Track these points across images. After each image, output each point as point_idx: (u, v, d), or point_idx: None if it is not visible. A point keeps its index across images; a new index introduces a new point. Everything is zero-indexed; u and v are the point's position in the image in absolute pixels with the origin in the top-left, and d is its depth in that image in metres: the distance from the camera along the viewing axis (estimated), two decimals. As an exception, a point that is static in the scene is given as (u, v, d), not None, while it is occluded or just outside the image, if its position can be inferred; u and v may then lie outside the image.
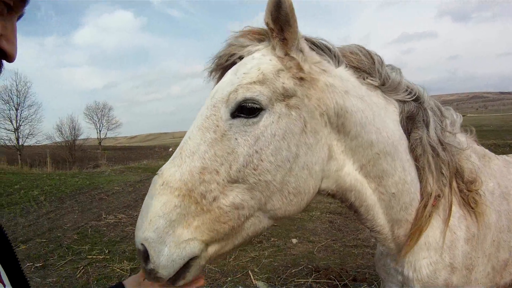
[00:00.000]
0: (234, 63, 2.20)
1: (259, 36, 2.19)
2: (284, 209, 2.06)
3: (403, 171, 2.41)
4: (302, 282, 7.36)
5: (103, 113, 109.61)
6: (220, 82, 2.11)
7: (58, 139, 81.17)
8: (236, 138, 1.92)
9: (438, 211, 2.55)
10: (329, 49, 2.27)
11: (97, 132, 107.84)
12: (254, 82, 1.97)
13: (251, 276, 7.63)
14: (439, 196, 2.48)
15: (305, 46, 2.13)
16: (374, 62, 2.40)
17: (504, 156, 3.67)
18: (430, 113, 2.52)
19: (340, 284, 7.15)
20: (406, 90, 2.50)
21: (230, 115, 1.95)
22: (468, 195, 2.63)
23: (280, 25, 1.99)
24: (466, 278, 2.65)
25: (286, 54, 2.07)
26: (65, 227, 11.24)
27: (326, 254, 8.93)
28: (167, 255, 1.82)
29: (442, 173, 2.48)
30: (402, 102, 2.49)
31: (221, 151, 1.90)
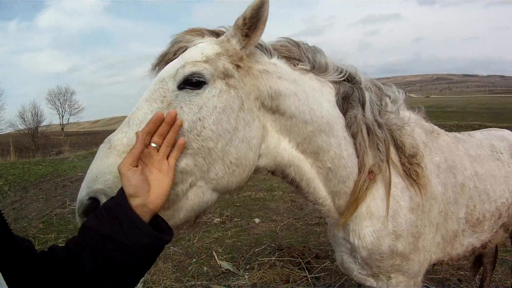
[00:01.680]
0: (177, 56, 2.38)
1: (201, 34, 2.43)
2: (227, 179, 2.20)
3: (339, 147, 2.65)
4: (266, 260, 7.51)
5: (65, 97, 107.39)
6: (167, 66, 2.28)
7: (21, 126, 79.63)
8: (181, 107, 2.08)
9: (377, 184, 2.82)
10: (261, 45, 2.52)
11: (60, 118, 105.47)
12: (199, 60, 2.17)
13: (216, 256, 7.76)
14: (373, 171, 2.74)
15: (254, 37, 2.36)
16: (302, 50, 2.69)
17: (457, 133, 3.94)
18: (366, 93, 2.78)
19: (303, 261, 7.32)
20: (337, 70, 2.77)
21: (177, 87, 2.12)
22: (410, 168, 2.89)
23: (251, 23, 2.23)
24: (413, 245, 2.92)
25: (243, 47, 2.31)
26: (30, 216, 11.14)
27: (288, 233, 9.12)
28: None
29: (379, 149, 2.74)
30: (337, 83, 2.75)
31: None
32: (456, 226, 3.30)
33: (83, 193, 1.87)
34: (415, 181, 2.88)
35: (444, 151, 3.33)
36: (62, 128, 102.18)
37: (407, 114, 3.17)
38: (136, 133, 1.85)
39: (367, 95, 2.77)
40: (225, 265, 7.40)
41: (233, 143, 2.18)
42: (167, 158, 1.92)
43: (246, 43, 2.30)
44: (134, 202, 1.72)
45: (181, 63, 2.17)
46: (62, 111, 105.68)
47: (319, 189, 2.73)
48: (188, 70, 2.13)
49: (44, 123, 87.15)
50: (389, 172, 2.79)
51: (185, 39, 2.38)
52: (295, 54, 2.67)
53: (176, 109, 2.05)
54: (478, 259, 5.62)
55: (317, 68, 2.73)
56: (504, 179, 3.77)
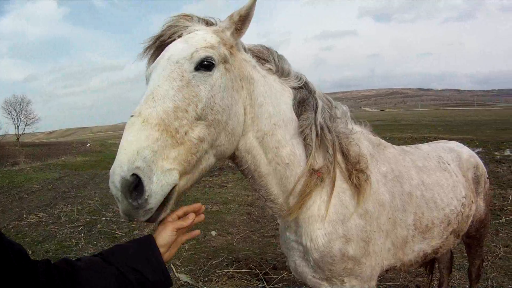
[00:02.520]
0: (173, 41, 2.65)
1: (192, 19, 2.76)
2: (225, 146, 2.58)
3: (293, 145, 2.94)
4: (224, 272, 7.61)
5: (21, 107, 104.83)
6: (173, 48, 2.52)
7: None
8: (198, 85, 2.39)
9: (326, 187, 3.02)
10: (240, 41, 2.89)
11: (15, 128, 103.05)
12: (208, 47, 2.49)
13: (173, 269, 7.82)
14: (323, 170, 2.97)
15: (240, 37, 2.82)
16: (270, 53, 3.07)
17: (404, 146, 4.22)
18: (319, 101, 3.08)
19: (261, 272, 7.46)
20: (296, 77, 3.13)
21: (194, 68, 2.41)
22: (354, 174, 3.10)
23: (244, 20, 2.69)
24: (364, 249, 3.10)
25: (235, 38, 2.73)
26: (-14, 229, 10.85)
27: (245, 245, 9.25)
28: (157, 182, 2.04)
29: (327, 152, 3.01)
30: (295, 89, 3.09)
31: (188, 94, 2.33)
32: (406, 233, 3.50)
33: (124, 169, 1.97)
34: (357, 187, 3.08)
35: (390, 162, 3.56)
36: (18, 139, 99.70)
37: (354, 127, 3.39)
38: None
39: (319, 102, 3.06)
40: (184, 277, 7.45)
41: (230, 116, 2.55)
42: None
43: (237, 35, 2.73)
44: (162, 250, 2.21)
45: (193, 48, 2.46)
46: (17, 121, 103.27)
47: (271, 186, 2.98)
48: (203, 54, 2.43)
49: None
50: (334, 173, 3.01)
51: (179, 23, 2.69)
52: (264, 55, 3.06)
53: (194, 87, 2.38)
54: (432, 264, 5.87)
55: (281, 72, 3.09)
56: (452, 188, 4.02)
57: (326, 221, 3.01)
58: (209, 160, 2.50)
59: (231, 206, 13.13)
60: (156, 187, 2.03)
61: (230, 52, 2.65)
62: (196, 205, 2.50)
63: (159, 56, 2.55)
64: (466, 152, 4.79)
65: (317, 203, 3.01)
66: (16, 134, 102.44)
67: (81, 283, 1.89)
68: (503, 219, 10.48)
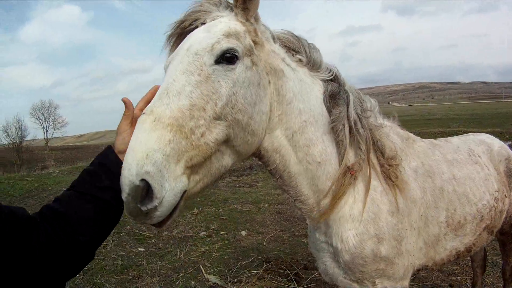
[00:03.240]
0: (195, 28, 2.50)
1: (218, 4, 2.58)
2: (242, 147, 2.42)
3: (323, 142, 2.83)
4: (254, 273, 7.54)
5: (49, 112, 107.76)
6: (193, 38, 2.37)
7: (5, 141, 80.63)
8: (219, 81, 2.23)
9: (358, 187, 2.95)
10: (267, 28, 2.72)
11: (44, 132, 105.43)
12: (231, 37, 2.33)
13: (203, 270, 7.78)
14: (355, 168, 2.87)
15: (259, 16, 2.59)
16: (301, 43, 2.90)
17: (433, 139, 4.09)
18: (350, 94, 2.96)
19: (291, 273, 7.36)
20: (327, 69, 2.98)
21: (214, 61, 2.25)
22: (389, 169, 3.02)
23: None
24: (397, 249, 3.02)
25: (247, 20, 2.49)
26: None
27: (276, 245, 9.16)
28: (169, 189, 1.95)
29: (360, 148, 2.90)
30: (326, 82, 2.94)
31: (207, 91, 2.17)
32: (438, 230, 3.41)
33: (132, 172, 1.88)
34: (393, 182, 3.00)
35: (420, 156, 3.47)
36: (47, 143, 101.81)
37: (383, 121, 3.32)
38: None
39: (351, 96, 2.95)
40: (213, 278, 7.42)
41: (253, 115, 2.39)
42: None
43: (250, 15, 2.49)
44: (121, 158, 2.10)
45: (215, 37, 2.30)
46: (46, 126, 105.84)
47: (302, 186, 2.86)
48: (225, 45, 2.27)
49: (28, 138, 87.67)
50: (369, 170, 2.92)
51: (204, 8, 2.54)
52: (295, 45, 2.88)
53: (214, 83, 2.22)
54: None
55: (312, 64, 2.93)
56: (483, 181, 3.91)
57: (357, 220, 2.92)
58: (224, 161, 2.36)
59: (261, 205, 13.01)
60: (169, 195, 1.95)
61: (254, 40, 2.48)
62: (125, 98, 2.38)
63: (179, 46, 2.43)
64: (497, 144, 4.65)
65: (349, 203, 2.93)
66: (45, 138, 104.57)
67: (67, 223, 1.99)
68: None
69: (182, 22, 2.54)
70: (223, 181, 16.92)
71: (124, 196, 1.91)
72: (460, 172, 3.76)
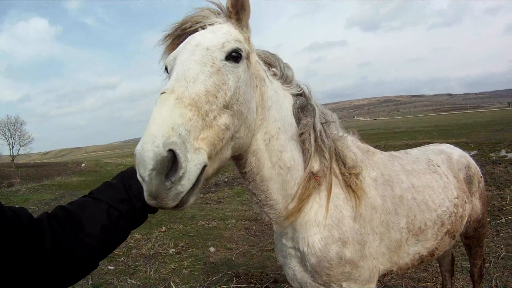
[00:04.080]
0: (194, 31, 2.70)
1: (216, 12, 2.78)
2: (242, 140, 2.63)
3: (292, 150, 3.05)
4: (224, 288, 7.62)
5: (15, 127, 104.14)
6: (201, 37, 2.56)
7: None
8: (227, 74, 2.45)
9: (322, 194, 3.15)
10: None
11: (10, 149, 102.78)
12: (236, 40, 2.57)
13: (173, 287, 7.87)
14: (319, 174, 3.10)
15: (250, 27, 2.84)
16: (276, 58, 3.21)
17: (392, 152, 4.38)
18: (316, 107, 3.21)
19: (261, 287, 7.53)
20: (297, 85, 3.25)
21: (225, 57, 2.48)
22: (350, 178, 3.25)
23: (237, 9, 2.70)
24: (361, 252, 3.21)
25: (242, 29, 2.75)
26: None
27: (245, 260, 9.32)
28: (191, 160, 2.01)
29: (324, 156, 3.13)
30: (295, 96, 3.20)
31: (218, 81, 2.37)
32: (399, 236, 3.62)
33: (158, 143, 1.91)
34: (354, 191, 3.21)
35: (380, 167, 3.71)
36: (13, 160, 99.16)
37: (344, 134, 3.56)
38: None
39: (317, 109, 3.20)
40: (184, 295, 7.44)
41: (249, 111, 2.63)
42: None
43: (242, 26, 2.76)
44: None
45: (224, 38, 2.54)
46: (12, 142, 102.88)
47: (273, 190, 3.03)
48: (234, 45, 2.52)
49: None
50: (331, 177, 3.14)
51: (204, 13, 2.74)
52: (271, 60, 3.20)
53: (224, 75, 2.43)
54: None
55: (284, 78, 3.22)
56: (442, 189, 4.17)
57: (321, 225, 3.10)
58: (228, 151, 2.49)
59: (229, 221, 13.19)
60: (191, 165, 2.00)
61: (249, 48, 2.72)
62: None
63: (183, 43, 2.59)
64: (457, 153, 4.93)
65: (314, 208, 3.11)
66: (10, 155, 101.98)
67: (79, 223, 2.07)
68: (503, 219, 10.68)
69: (183, 24, 2.71)
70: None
71: (146, 173, 1.91)
72: (419, 181, 4.00)
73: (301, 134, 3.08)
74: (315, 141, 3.10)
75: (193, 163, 2.02)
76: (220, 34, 2.57)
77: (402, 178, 3.86)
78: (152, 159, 1.89)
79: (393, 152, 4.39)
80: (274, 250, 9.33)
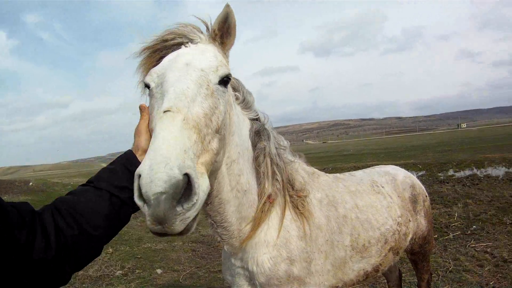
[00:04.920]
0: (176, 45, 2.67)
1: (199, 30, 2.77)
2: (219, 164, 2.65)
3: (247, 173, 3.13)
4: (172, 310, 7.54)
5: None
6: (190, 56, 2.52)
7: None
8: (218, 98, 2.46)
9: (272, 215, 3.24)
10: None
11: None
12: (224, 64, 2.60)
13: (120, 310, 7.73)
14: (273, 197, 3.19)
15: (229, 54, 2.87)
16: (239, 83, 3.25)
17: (337, 174, 4.52)
18: (270, 132, 3.34)
19: (209, 308, 7.43)
20: (255, 111, 3.35)
21: (218, 81, 2.49)
22: (298, 200, 3.37)
23: (223, 32, 2.73)
24: (307, 269, 3.31)
25: (224, 53, 2.78)
26: None
27: (192, 282, 9.34)
28: (201, 185, 1.97)
29: (277, 179, 3.23)
30: (252, 120, 3.30)
31: (213, 105, 2.37)
32: (344, 253, 3.73)
33: (172, 165, 1.85)
34: (300, 211, 3.33)
35: (325, 189, 3.84)
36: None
37: (293, 158, 3.69)
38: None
39: (271, 134, 3.33)
40: (130, 318, 7.39)
41: (226, 135, 2.66)
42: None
43: (225, 50, 2.81)
44: (142, 158, 2.23)
45: (216, 61, 2.55)
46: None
47: (229, 213, 3.05)
48: (226, 70, 2.56)
49: None
50: (284, 199, 3.26)
51: (187, 30, 2.70)
52: (234, 84, 3.19)
53: (215, 99, 2.43)
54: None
55: (245, 103, 3.30)
56: (386, 208, 4.36)
57: (270, 245, 3.17)
58: (208, 179, 2.28)
59: (176, 243, 13.18)
60: (202, 191, 1.97)
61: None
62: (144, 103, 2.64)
63: (168, 60, 2.54)
64: (402, 174, 5.15)
65: (264, 229, 3.19)
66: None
67: (82, 215, 2.05)
68: (451, 235, 11.13)
69: (165, 40, 2.65)
70: (136, 220, 16.86)
71: (153, 196, 1.81)
72: (362, 201, 4.15)
73: (256, 158, 3.18)
74: (271, 164, 3.20)
75: (201, 189, 1.97)
76: (209, 56, 2.56)
77: (346, 198, 3.99)
78: (165, 181, 1.80)
79: (337, 174, 4.54)
80: (221, 272, 9.39)
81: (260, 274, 3.19)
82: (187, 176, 1.87)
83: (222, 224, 3.09)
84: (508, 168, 20.26)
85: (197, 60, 2.48)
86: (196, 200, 1.91)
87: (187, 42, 2.66)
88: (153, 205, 1.82)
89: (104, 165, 2.59)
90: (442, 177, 20.47)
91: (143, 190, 1.84)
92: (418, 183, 5.30)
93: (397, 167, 5.48)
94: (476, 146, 35.01)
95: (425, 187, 5.48)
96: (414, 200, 4.97)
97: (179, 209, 1.86)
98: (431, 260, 7.99)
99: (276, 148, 3.32)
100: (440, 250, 10.07)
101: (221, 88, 2.50)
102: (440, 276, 8.41)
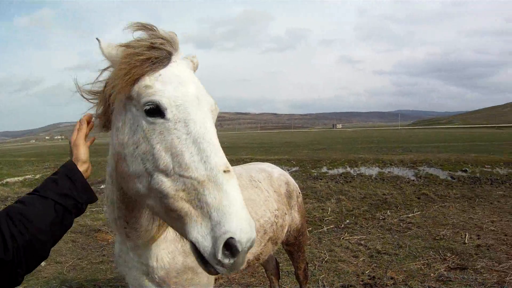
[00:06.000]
0: (165, 53, 2.52)
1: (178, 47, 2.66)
2: None
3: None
4: (57, 302, 7.50)
5: None
6: (194, 86, 2.51)
7: None
8: None
9: None
10: None
11: None
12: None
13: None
14: None
15: None
16: None
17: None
18: None
19: (97, 300, 7.49)
20: None
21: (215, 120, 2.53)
22: None
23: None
24: None
25: None
26: None
27: (76, 273, 9.35)
28: None
29: None
30: None
31: None
32: None
33: (253, 226, 2.06)
34: None
35: None
36: None
37: None
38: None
39: None
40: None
41: None
42: None
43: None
44: (82, 168, 2.62)
45: (211, 98, 2.61)
46: None
47: (144, 217, 3.08)
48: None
49: None
50: None
51: (174, 41, 2.60)
52: None
53: None
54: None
55: None
56: (264, 202, 4.81)
57: (168, 241, 3.36)
58: None
59: (54, 234, 12.80)
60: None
61: None
62: (86, 116, 2.83)
63: (180, 83, 2.45)
64: (277, 172, 5.72)
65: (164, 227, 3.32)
66: None
67: (31, 222, 2.22)
68: (325, 228, 12.11)
69: (153, 43, 2.47)
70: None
71: (245, 249, 2.01)
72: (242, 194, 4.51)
73: None
74: None
75: None
76: (202, 89, 2.59)
77: None
78: (251, 240, 2.02)
79: None
80: (102, 263, 9.71)
81: (160, 268, 3.36)
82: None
83: (134, 226, 3.10)
84: (381, 169, 21.89)
85: (201, 94, 2.52)
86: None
87: (172, 53, 2.58)
88: (242, 256, 2.05)
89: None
90: (315, 174, 21.53)
91: (236, 245, 1.95)
92: (292, 180, 5.90)
93: (273, 165, 6.05)
94: (351, 147, 36.56)
95: (298, 182, 5.94)
96: (289, 196, 5.56)
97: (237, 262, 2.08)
98: (307, 251, 8.88)
99: None
100: (315, 242, 10.83)
101: None
102: (317, 266, 9.11)
